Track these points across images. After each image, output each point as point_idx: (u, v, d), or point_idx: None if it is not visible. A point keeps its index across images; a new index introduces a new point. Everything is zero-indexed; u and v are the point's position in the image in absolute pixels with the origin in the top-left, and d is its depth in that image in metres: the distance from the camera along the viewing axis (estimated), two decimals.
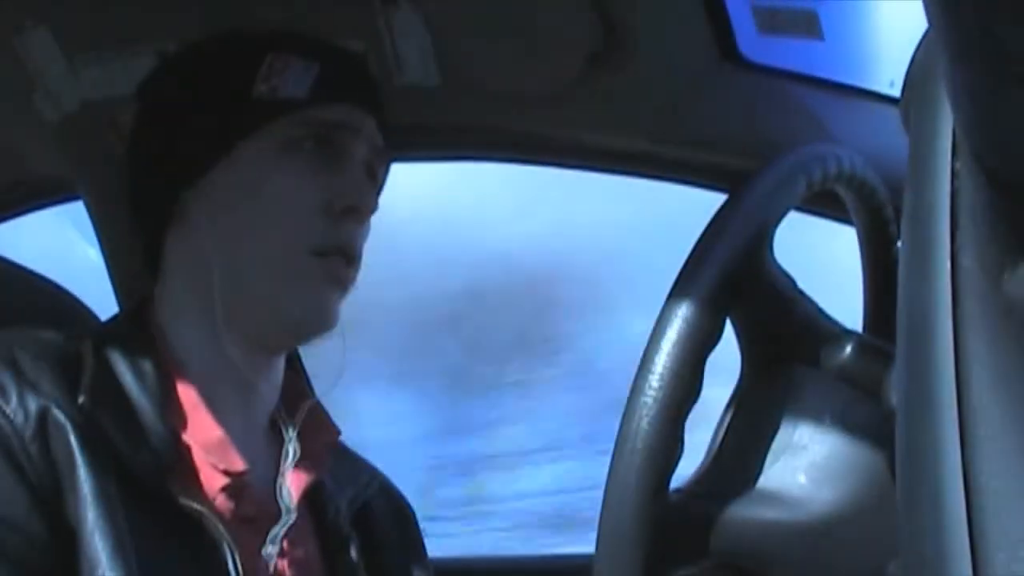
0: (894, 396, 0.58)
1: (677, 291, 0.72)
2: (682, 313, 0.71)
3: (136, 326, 1.04)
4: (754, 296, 0.78)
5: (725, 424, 0.81)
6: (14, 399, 0.90)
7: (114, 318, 1.10)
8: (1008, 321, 0.44)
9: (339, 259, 1.03)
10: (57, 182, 1.50)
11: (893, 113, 0.63)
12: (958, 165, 0.47)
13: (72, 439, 0.90)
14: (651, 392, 0.70)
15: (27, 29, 1.28)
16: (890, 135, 0.83)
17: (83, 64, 1.31)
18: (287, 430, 1.07)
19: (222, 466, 0.98)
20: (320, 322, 1.04)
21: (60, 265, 1.49)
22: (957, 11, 0.38)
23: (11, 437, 0.88)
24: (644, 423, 0.70)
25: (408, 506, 1.22)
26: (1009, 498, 0.42)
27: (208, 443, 0.98)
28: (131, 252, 1.47)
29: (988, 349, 0.44)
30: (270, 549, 0.99)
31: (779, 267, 0.79)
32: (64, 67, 1.31)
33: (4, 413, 0.89)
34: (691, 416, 0.72)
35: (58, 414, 0.90)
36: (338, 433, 1.12)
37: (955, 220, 0.47)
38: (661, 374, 0.70)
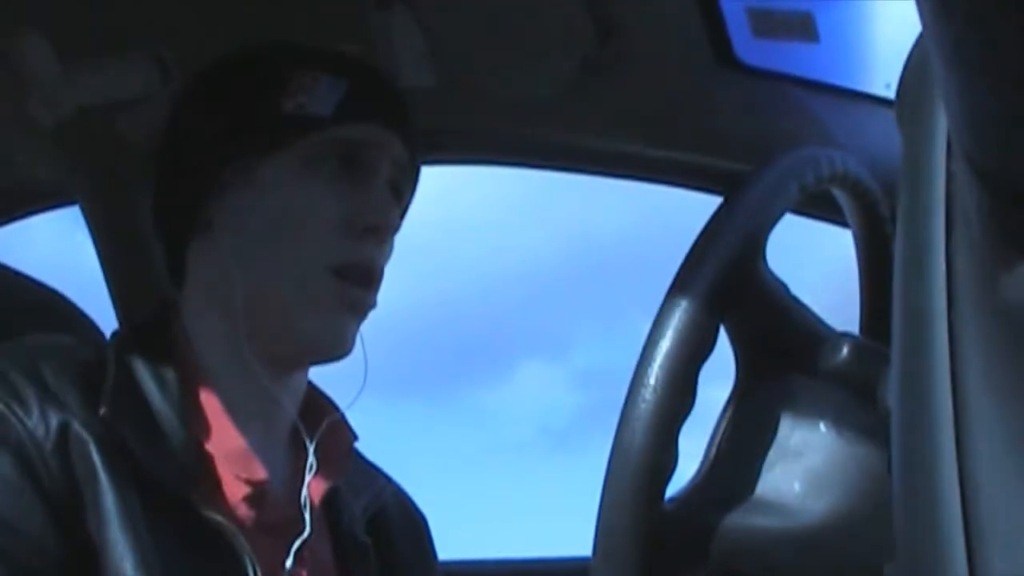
0: (890, 398, 0.58)
1: (670, 301, 0.72)
2: (675, 323, 0.71)
3: (159, 332, 1.03)
4: (747, 304, 0.77)
5: (720, 432, 0.80)
6: (36, 412, 0.90)
7: (138, 324, 1.09)
8: (1003, 322, 0.44)
9: (357, 282, 1.02)
10: (53, 187, 1.50)
11: (889, 116, 0.63)
12: (952, 167, 0.47)
13: (93, 453, 0.90)
14: (645, 403, 0.70)
15: (22, 34, 1.28)
16: (886, 137, 0.83)
17: (79, 70, 1.31)
18: (308, 442, 1.05)
19: (244, 475, 0.97)
20: (335, 346, 1.03)
21: (70, 272, 1.50)
22: (950, 14, 0.38)
23: (31, 451, 0.88)
24: (639, 434, 0.69)
25: (420, 514, 1.21)
26: (1005, 499, 0.42)
27: (230, 452, 0.98)
28: (128, 256, 1.48)
29: (983, 350, 0.44)
30: (289, 563, 0.98)
31: (772, 274, 0.79)
32: (60, 73, 1.31)
33: (25, 426, 0.89)
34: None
35: (79, 428, 0.90)
36: (355, 439, 1.10)
37: (950, 222, 0.47)
38: (655, 385, 0.70)
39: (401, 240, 1.09)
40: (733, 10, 1.23)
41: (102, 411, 0.92)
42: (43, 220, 1.57)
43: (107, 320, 1.41)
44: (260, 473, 0.99)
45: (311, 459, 1.04)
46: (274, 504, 1.00)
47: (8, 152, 1.45)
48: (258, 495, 0.98)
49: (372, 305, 1.04)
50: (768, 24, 1.28)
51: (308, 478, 1.03)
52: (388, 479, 1.19)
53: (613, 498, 0.70)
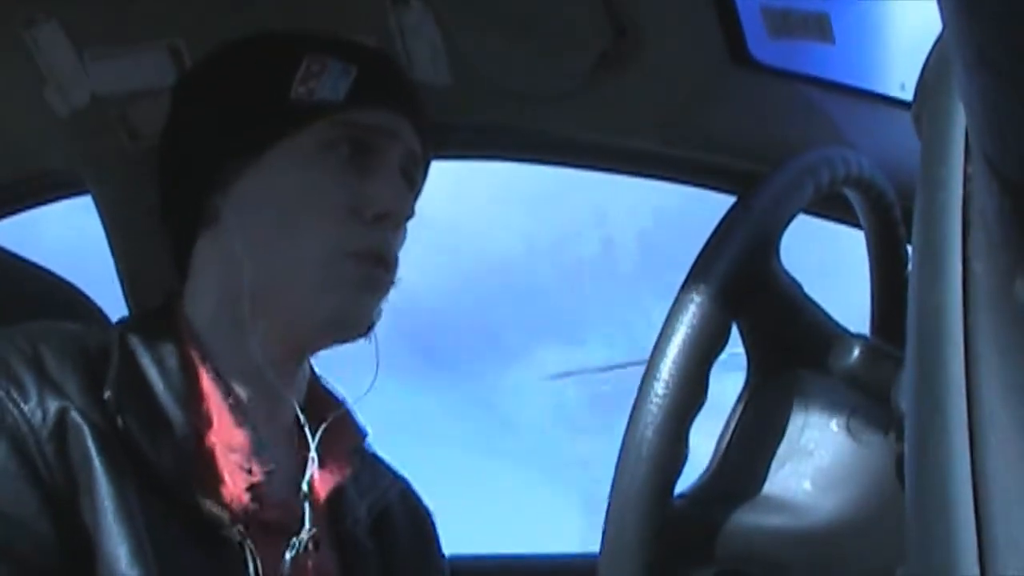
0: (903, 401, 0.58)
1: (683, 297, 0.72)
2: (687, 320, 0.71)
3: (163, 322, 1.03)
4: (760, 302, 0.77)
5: (731, 429, 0.80)
6: (34, 398, 0.89)
7: (142, 313, 1.08)
8: (1019, 326, 0.44)
9: (374, 263, 1.01)
10: (67, 176, 1.50)
11: (904, 116, 0.63)
12: (970, 170, 0.47)
13: (89, 441, 0.89)
14: (656, 400, 0.70)
15: (38, 23, 1.28)
16: (901, 138, 0.83)
17: (93, 59, 1.32)
18: (311, 437, 1.04)
19: (244, 470, 0.97)
20: (355, 324, 1.03)
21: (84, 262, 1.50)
22: (974, 16, 0.38)
23: (27, 436, 0.88)
24: (649, 431, 0.69)
25: (427, 511, 1.21)
26: (1018, 502, 0.42)
27: (231, 444, 0.97)
28: (140, 247, 1.48)
29: (999, 354, 0.44)
30: (287, 557, 0.98)
31: (786, 273, 0.79)
32: (74, 62, 1.31)
33: (22, 412, 0.88)
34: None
35: (77, 415, 0.89)
36: (363, 437, 1.10)
37: (967, 225, 0.47)
38: (666, 382, 0.70)
39: (430, 229, 1.09)
40: (748, 9, 1.23)
41: (107, 395, 0.91)
42: (56, 209, 1.58)
43: (120, 311, 1.41)
44: (260, 468, 0.98)
45: (312, 454, 1.03)
46: (275, 500, 0.99)
47: (22, 141, 1.45)
48: (258, 490, 0.97)
49: (391, 283, 1.04)
50: (783, 24, 1.27)
51: (308, 474, 1.02)
52: (395, 477, 1.18)
53: (623, 496, 0.70)
